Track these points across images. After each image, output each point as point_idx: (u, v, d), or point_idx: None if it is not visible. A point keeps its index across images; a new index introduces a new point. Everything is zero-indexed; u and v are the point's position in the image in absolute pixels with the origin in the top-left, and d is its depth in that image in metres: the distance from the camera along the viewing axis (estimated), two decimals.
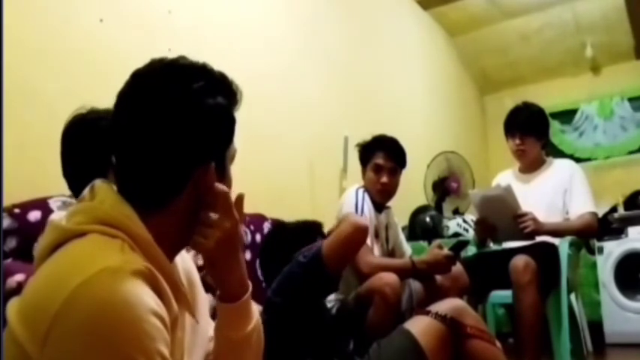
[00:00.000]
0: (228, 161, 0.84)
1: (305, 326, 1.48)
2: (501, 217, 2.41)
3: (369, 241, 2.17)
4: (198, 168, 0.77)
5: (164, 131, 0.74)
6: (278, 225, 1.89)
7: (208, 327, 0.90)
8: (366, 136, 2.38)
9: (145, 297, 0.64)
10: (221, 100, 0.79)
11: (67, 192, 1.34)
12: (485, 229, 2.52)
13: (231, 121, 0.83)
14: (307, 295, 1.50)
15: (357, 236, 1.55)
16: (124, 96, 0.77)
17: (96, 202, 0.74)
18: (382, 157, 2.26)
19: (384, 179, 2.24)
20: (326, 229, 1.93)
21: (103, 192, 0.75)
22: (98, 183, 0.76)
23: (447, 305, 1.46)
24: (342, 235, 1.52)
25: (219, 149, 0.81)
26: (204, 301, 0.90)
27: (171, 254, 0.79)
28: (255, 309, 0.86)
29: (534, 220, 2.33)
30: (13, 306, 0.66)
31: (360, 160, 2.36)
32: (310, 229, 1.82)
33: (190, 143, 0.75)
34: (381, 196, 2.28)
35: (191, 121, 0.75)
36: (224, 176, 0.82)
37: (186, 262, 0.91)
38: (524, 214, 2.34)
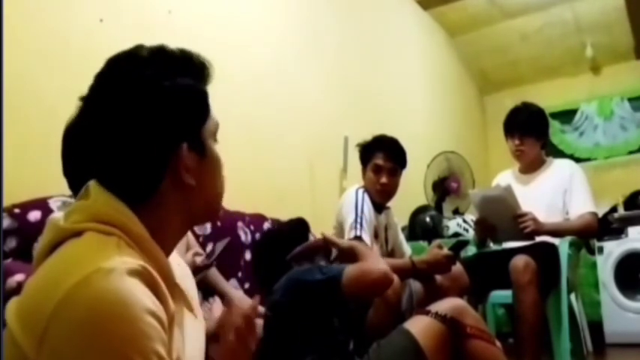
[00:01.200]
0: (207, 138, 0.81)
1: (308, 328, 1.47)
2: (501, 217, 2.41)
3: (368, 241, 2.17)
4: (171, 153, 0.76)
5: (125, 124, 0.74)
6: (268, 231, 1.90)
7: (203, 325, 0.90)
8: (366, 136, 2.38)
9: (142, 296, 0.64)
10: (181, 80, 0.77)
11: (67, 192, 1.34)
12: (485, 229, 2.52)
13: (198, 98, 0.80)
14: (315, 310, 1.48)
15: (383, 285, 1.51)
16: (86, 98, 0.77)
17: (90, 201, 0.74)
18: (382, 157, 2.25)
19: (384, 180, 2.24)
20: (325, 229, 1.93)
21: (96, 190, 0.75)
22: (92, 183, 0.77)
23: (447, 305, 1.46)
24: (369, 277, 1.47)
25: (190, 129, 0.79)
26: (197, 308, 0.89)
27: (167, 248, 0.78)
28: None
29: (534, 220, 2.33)
30: (11, 306, 0.66)
31: (360, 160, 2.35)
32: (299, 229, 1.82)
33: (153, 131, 0.74)
34: (380, 197, 2.28)
35: (149, 107, 0.74)
36: (205, 154, 0.80)
37: (183, 269, 0.91)
38: (524, 214, 2.34)
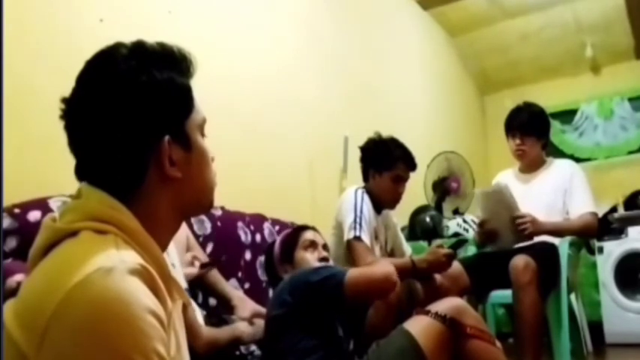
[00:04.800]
0: (192, 132, 0.81)
1: (309, 328, 1.47)
2: (502, 219, 2.39)
3: (368, 241, 2.17)
4: (152, 146, 0.76)
5: (103, 120, 0.74)
6: (272, 243, 1.90)
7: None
8: (366, 136, 2.38)
9: (141, 296, 0.64)
10: (159, 73, 0.77)
11: (67, 192, 1.34)
12: (487, 235, 2.49)
13: (178, 91, 0.80)
14: (318, 307, 1.47)
15: (386, 287, 1.53)
16: (67, 100, 0.77)
17: (83, 200, 0.75)
18: (403, 168, 2.27)
19: (402, 190, 2.27)
20: (325, 229, 1.93)
21: (87, 190, 0.76)
22: (83, 184, 0.77)
23: (446, 305, 1.46)
24: (372, 279, 1.49)
25: (171, 122, 0.78)
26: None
27: (162, 243, 0.79)
28: None
29: (533, 222, 2.32)
30: (9, 307, 0.66)
31: (373, 162, 2.33)
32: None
33: (131, 125, 0.75)
34: (393, 205, 2.31)
35: (125, 102, 0.74)
36: (190, 147, 0.80)
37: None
38: (523, 216, 2.33)
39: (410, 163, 2.29)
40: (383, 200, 2.29)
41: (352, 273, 1.46)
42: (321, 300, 1.45)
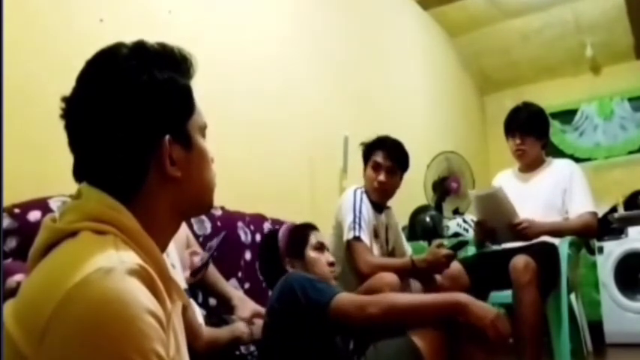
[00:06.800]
0: (193, 133, 0.81)
1: (305, 333, 1.47)
2: (498, 218, 2.39)
3: (367, 241, 2.17)
4: (153, 145, 0.76)
5: (104, 119, 0.74)
6: (272, 232, 1.90)
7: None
8: (366, 136, 2.38)
9: (141, 296, 0.64)
10: (160, 73, 0.77)
11: (67, 192, 1.34)
12: (485, 232, 2.50)
13: (179, 91, 0.80)
14: (303, 322, 1.45)
15: (367, 325, 1.43)
16: (68, 99, 0.77)
17: (82, 200, 0.75)
18: (382, 155, 2.26)
19: (382, 178, 2.23)
20: (324, 229, 1.93)
21: (87, 190, 0.76)
22: (82, 184, 0.77)
23: None
24: (351, 314, 1.41)
25: (173, 122, 0.79)
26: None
27: (161, 243, 0.79)
28: None
29: (531, 226, 2.32)
30: (8, 307, 0.66)
31: (362, 158, 2.36)
32: (300, 229, 1.83)
33: (133, 124, 0.75)
34: (377, 195, 2.27)
35: (127, 101, 0.74)
36: (191, 147, 0.80)
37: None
38: (520, 223, 2.33)
39: (389, 151, 2.26)
40: (370, 193, 2.27)
41: (339, 300, 1.41)
42: (305, 318, 1.43)
